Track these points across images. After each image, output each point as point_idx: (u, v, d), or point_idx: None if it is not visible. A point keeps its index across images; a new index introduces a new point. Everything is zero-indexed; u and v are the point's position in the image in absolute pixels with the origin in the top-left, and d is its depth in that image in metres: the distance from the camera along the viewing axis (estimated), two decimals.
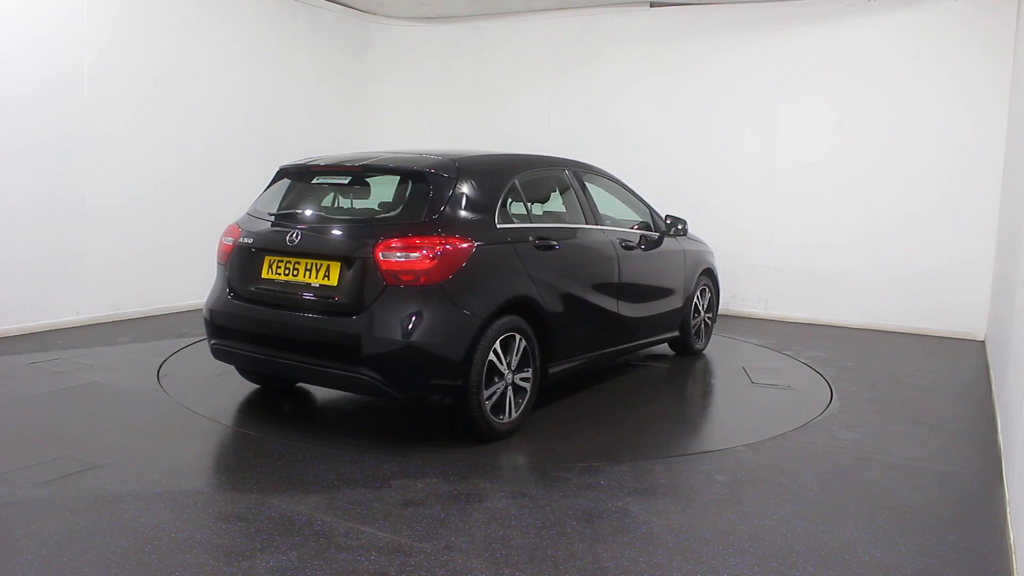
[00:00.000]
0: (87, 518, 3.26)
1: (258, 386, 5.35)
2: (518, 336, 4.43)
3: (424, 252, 4.07)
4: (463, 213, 4.35)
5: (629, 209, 6.08)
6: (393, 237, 4.13)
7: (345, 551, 3.05)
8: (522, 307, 4.48)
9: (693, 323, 6.50)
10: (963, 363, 6.78)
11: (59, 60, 6.66)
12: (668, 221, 6.13)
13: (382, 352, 4.04)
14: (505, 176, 4.75)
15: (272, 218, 4.69)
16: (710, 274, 6.77)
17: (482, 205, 4.48)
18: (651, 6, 8.89)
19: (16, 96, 6.39)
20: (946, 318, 7.82)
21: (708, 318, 6.78)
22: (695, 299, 6.48)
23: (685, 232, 6.21)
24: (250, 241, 4.59)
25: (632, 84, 9.07)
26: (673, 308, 6.16)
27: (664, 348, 6.68)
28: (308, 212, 4.73)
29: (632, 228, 5.89)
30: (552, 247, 4.78)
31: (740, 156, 8.61)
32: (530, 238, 4.66)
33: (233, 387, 5.35)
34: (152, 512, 3.35)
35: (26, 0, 6.41)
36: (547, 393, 5.27)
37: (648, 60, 8.99)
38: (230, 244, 4.72)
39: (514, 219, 4.70)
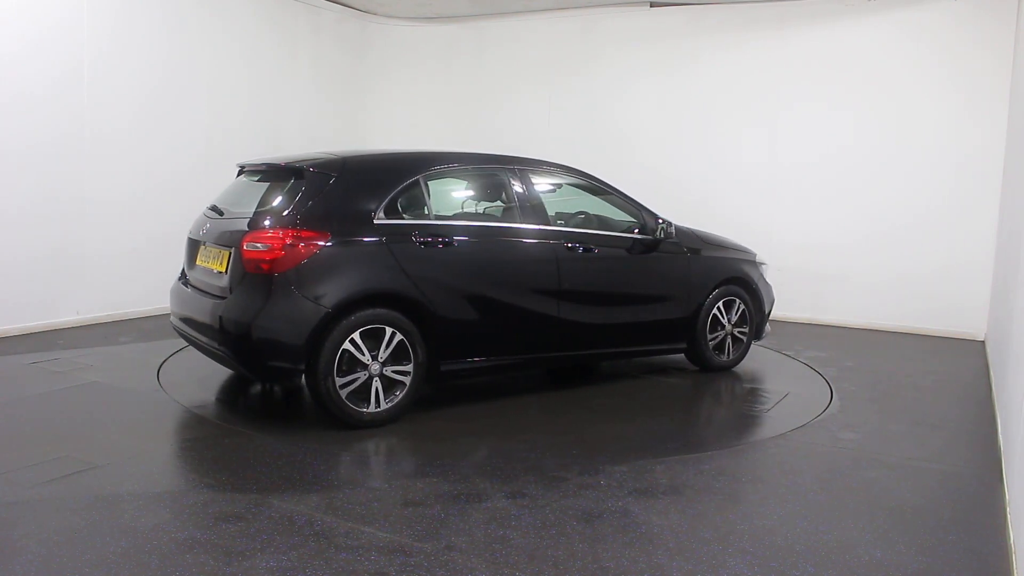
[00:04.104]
0: (87, 518, 3.26)
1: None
2: (389, 329, 4.52)
3: (273, 243, 4.40)
4: (331, 208, 4.59)
5: (617, 212, 5.78)
6: (255, 229, 4.51)
7: (345, 551, 3.05)
8: (396, 301, 4.58)
9: (712, 336, 5.97)
10: (963, 363, 6.78)
11: (59, 60, 6.66)
12: (661, 223, 5.73)
13: (231, 332, 4.45)
14: (402, 174, 4.86)
15: (210, 211, 5.22)
16: (742, 283, 6.13)
17: (359, 201, 4.65)
18: (651, 6, 8.89)
19: (16, 96, 6.39)
20: (946, 318, 7.81)
21: (739, 332, 6.13)
22: (715, 310, 5.95)
23: (671, 235, 5.73)
24: (190, 232, 5.28)
25: (632, 84, 9.07)
26: (671, 318, 5.78)
27: (683, 362, 6.22)
28: (228, 207, 5.10)
29: (629, 233, 5.65)
30: (447, 244, 4.79)
31: (740, 156, 8.61)
32: (413, 234, 4.69)
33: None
34: (152, 512, 3.35)
35: (26, 0, 6.41)
36: (472, 393, 5.27)
37: (648, 60, 8.98)
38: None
39: (406, 215, 4.79)
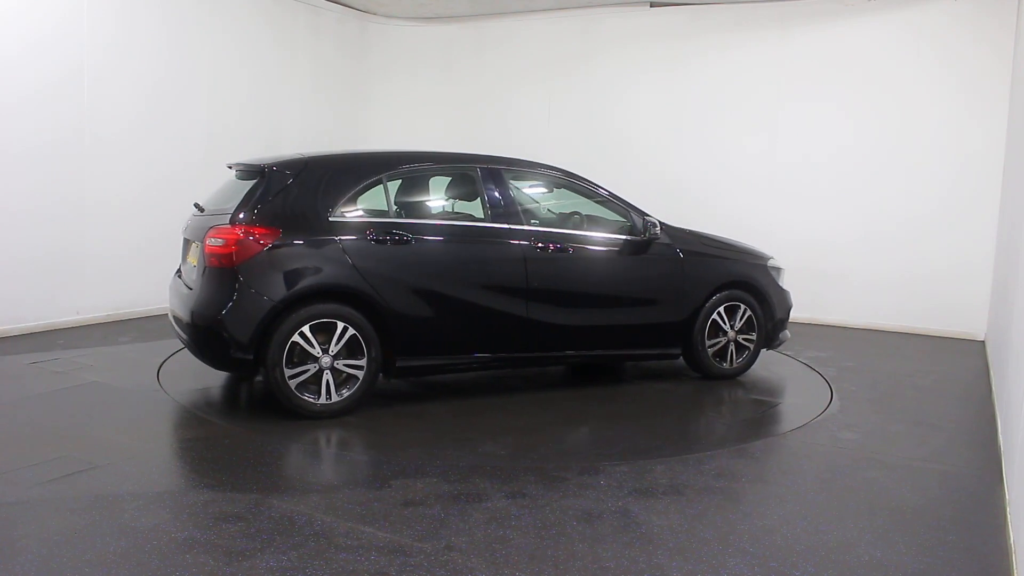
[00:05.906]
0: (87, 518, 3.26)
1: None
2: (341, 324, 4.64)
3: (228, 239, 4.59)
4: (286, 207, 4.76)
5: (607, 212, 5.66)
6: (216, 226, 4.70)
7: (345, 551, 3.05)
8: (347, 296, 4.70)
9: (712, 343, 5.71)
10: (963, 363, 6.77)
11: (60, 62, 6.65)
12: (648, 223, 5.52)
13: (194, 322, 4.70)
14: (362, 174, 4.98)
15: (195, 209, 5.37)
16: (748, 287, 5.84)
17: (315, 200, 4.81)
18: (651, 6, 8.89)
19: (17, 97, 6.39)
20: (946, 318, 7.81)
21: (744, 339, 5.83)
22: (715, 315, 5.69)
23: (657, 235, 5.52)
24: (182, 229, 5.47)
25: (632, 84, 9.07)
26: (661, 321, 5.58)
27: (686, 368, 5.96)
28: (209, 205, 5.22)
29: (613, 233, 5.50)
30: (404, 242, 4.84)
31: (740, 156, 8.60)
32: (368, 232, 4.77)
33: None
34: (152, 512, 3.35)
35: (27, 2, 6.42)
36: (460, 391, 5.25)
37: (648, 60, 8.98)
38: None
39: (365, 214, 4.94)
